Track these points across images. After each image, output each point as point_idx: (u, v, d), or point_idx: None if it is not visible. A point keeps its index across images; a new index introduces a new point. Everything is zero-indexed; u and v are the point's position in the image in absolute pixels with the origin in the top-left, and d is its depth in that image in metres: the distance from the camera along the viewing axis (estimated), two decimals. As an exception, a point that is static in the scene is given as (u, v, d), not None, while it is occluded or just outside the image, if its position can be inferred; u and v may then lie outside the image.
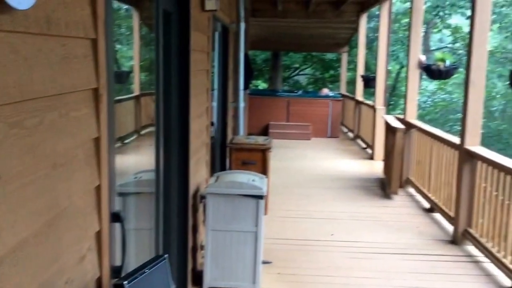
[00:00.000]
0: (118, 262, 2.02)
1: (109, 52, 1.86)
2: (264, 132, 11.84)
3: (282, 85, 19.16)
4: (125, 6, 3.16)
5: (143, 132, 3.31)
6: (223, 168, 5.92)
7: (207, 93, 4.37)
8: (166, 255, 2.15)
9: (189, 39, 3.50)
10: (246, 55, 7.91)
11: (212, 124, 4.86)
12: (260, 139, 5.95)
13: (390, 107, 19.69)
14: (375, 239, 5.22)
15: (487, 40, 4.91)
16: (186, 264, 3.70)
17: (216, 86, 5.90)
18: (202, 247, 4.09)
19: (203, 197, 3.90)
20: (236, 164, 5.54)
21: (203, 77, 4.22)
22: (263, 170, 5.60)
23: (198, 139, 3.98)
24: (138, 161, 3.22)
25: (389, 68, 20.38)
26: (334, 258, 4.69)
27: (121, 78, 3.05)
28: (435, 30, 19.79)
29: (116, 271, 1.97)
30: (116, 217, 1.98)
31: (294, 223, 5.68)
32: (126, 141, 2.91)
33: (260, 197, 3.74)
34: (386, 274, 4.35)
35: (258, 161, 5.60)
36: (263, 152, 5.65)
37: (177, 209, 3.55)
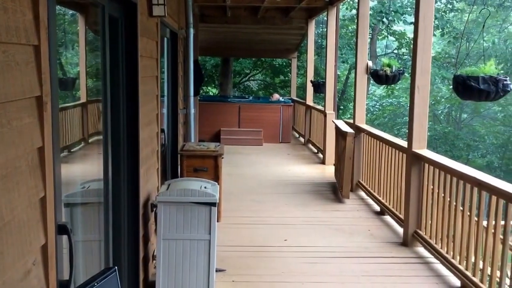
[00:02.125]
0: (66, 276, 1.94)
1: (52, 59, 1.79)
2: (216, 138, 11.78)
3: (233, 91, 19.16)
4: (70, 12, 3.05)
5: (90, 140, 3.20)
6: (174, 176, 5.83)
7: (156, 100, 4.29)
8: (115, 267, 2.08)
9: (137, 45, 3.42)
10: (196, 61, 7.86)
11: (162, 131, 4.78)
12: (212, 146, 5.90)
13: (340, 111, 20.04)
14: (328, 243, 5.26)
15: (430, 45, 5.05)
16: (137, 275, 3.60)
17: (165, 92, 5.81)
18: (154, 257, 4.00)
19: (154, 206, 3.82)
20: (188, 171, 5.46)
21: (152, 83, 4.15)
22: (215, 176, 5.55)
23: (148, 147, 3.90)
24: (86, 170, 3.11)
25: (338, 73, 20.80)
26: (288, 263, 4.68)
27: (67, 85, 2.95)
28: (380, 37, 20.32)
29: (63, 286, 1.90)
30: (62, 229, 1.90)
31: (247, 230, 5.65)
32: (73, 150, 2.81)
33: (213, 204, 3.69)
34: (339, 278, 4.39)
35: (210, 168, 5.54)
36: (215, 158, 5.60)
37: (127, 219, 3.46)
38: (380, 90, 22.73)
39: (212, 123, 12.11)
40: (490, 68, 3.80)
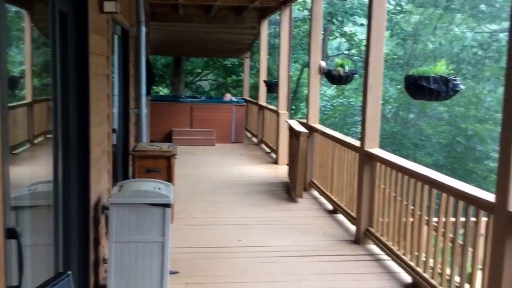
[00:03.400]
0: (15, 282, 1.86)
1: (2, 58, 1.69)
2: (167, 139, 11.61)
3: (185, 90, 18.97)
4: (14, 8, 2.91)
5: (36, 141, 3.06)
6: (125, 178, 5.69)
7: (108, 99, 4.17)
8: (69, 272, 2.00)
9: (87, 42, 3.31)
10: (147, 60, 7.70)
11: (113, 131, 4.65)
12: (165, 146, 5.80)
13: (292, 111, 20.21)
14: (282, 242, 5.27)
15: (383, 46, 5.14)
16: (88, 280, 3.48)
17: (116, 92, 5.67)
18: (105, 261, 3.88)
19: (105, 208, 3.70)
20: (140, 172, 5.34)
21: (103, 82, 4.02)
22: (168, 177, 5.45)
23: (99, 147, 3.78)
24: (32, 172, 2.97)
25: (290, 73, 20.98)
26: (242, 264, 4.66)
27: (11, 84, 2.80)
28: (331, 37, 20.61)
29: (12, 292, 1.80)
30: (11, 233, 1.81)
31: (201, 231, 5.58)
32: (17, 150, 2.67)
33: (167, 205, 3.62)
34: (293, 277, 4.39)
35: (163, 169, 5.44)
36: (168, 159, 5.50)
37: (77, 222, 3.34)
38: (331, 90, 23.05)
39: (163, 124, 11.94)
40: (441, 68, 3.89)
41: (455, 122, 19.41)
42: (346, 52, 21.04)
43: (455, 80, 3.77)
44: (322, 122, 22.59)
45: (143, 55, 6.38)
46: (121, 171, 5.79)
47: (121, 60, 5.75)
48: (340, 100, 22.47)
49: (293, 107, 21.02)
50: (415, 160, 19.90)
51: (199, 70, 22.33)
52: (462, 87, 3.82)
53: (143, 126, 6.34)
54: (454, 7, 18.71)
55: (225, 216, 6.18)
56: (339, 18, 16.82)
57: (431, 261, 3.95)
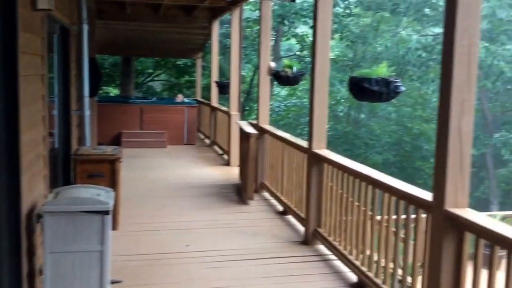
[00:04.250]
0: None
1: None
2: (117, 141, 11.33)
3: (136, 91, 18.62)
4: None
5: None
6: (67, 183, 5.45)
7: (42, 101, 3.97)
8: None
9: (16, 41, 3.12)
10: (93, 60, 7.47)
11: (51, 134, 4.44)
12: (109, 149, 5.60)
13: (246, 112, 20.18)
14: (231, 246, 5.18)
15: (328, 48, 5.14)
16: (22, 293, 3.29)
17: (56, 93, 5.43)
18: (40, 272, 3.69)
19: (40, 216, 3.51)
20: (82, 178, 5.13)
21: (37, 82, 3.82)
22: (112, 182, 5.27)
23: (32, 152, 3.58)
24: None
25: (244, 73, 20.95)
26: (189, 269, 4.54)
27: None
28: (284, 38, 20.71)
29: None
30: None
31: (148, 236, 5.42)
32: None
33: (105, 212, 3.46)
34: (242, 281, 4.32)
35: (107, 173, 5.25)
36: (112, 163, 5.31)
37: (7, 232, 3.15)
38: (284, 91, 23.17)
39: (112, 126, 11.63)
40: (382, 70, 3.90)
41: (402, 122, 19.88)
42: (298, 53, 21.18)
43: (396, 82, 3.80)
44: (276, 122, 22.73)
45: (86, 55, 6.15)
46: (61, 177, 5.55)
47: (60, 60, 5.52)
48: (293, 101, 22.62)
49: (247, 108, 21.01)
50: (366, 159, 20.28)
51: (151, 70, 21.98)
52: (402, 88, 3.85)
53: (86, 129, 6.12)
54: (400, 10, 19.16)
55: (173, 221, 6.04)
56: (290, 20, 16.89)
57: (377, 259, 3.96)
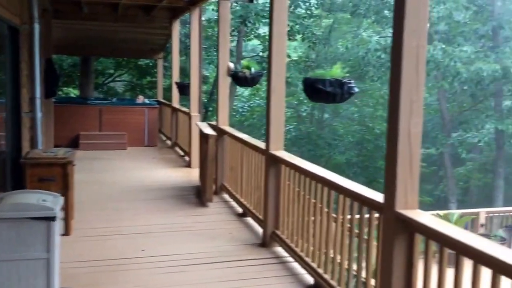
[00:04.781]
0: None
1: None
2: (75, 143, 11.08)
3: (96, 92, 18.27)
4: None
5: None
6: (18, 187, 5.26)
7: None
8: None
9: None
10: (49, 60, 7.26)
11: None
12: (61, 152, 5.43)
13: (209, 113, 20.05)
14: (188, 250, 5.09)
15: (285, 49, 5.12)
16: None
17: (6, 94, 5.23)
18: (-16, 282, 3.53)
19: (-18, 224, 3.35)
20: (32, 182, 4.95)
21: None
22: (64, 186, 5.13)
23: (-27, 157, 3.42)
24: None
25: (207, 74, 20.82)
26: (144, 275, 4.43)
27: None
28: (246, 39, 20.68)
29: None
30: None
31: (102, 242, 5.28)
32: None
33: (51, 218, 3.34)
34: (196, 285, 4.24)
35: (58, 177, 5.08)
36: (64, 166, 5.15)
37: None
38: (248, 91, 23.15)
39: (70, 127, 11.37)
40: (336, 71, 3.90)
41: (364, 122, 20.15)
42: (261, 54, 21.20)
43: (350, 83, 3.80)
44: (241, 123, 22.64)
45: (37, 55, 5.96)
46: (11, 181, 5.36)
47: (9, 60, 5.32)
48: (257, 101, 22.63)
49: (210, 109, 20.89)
50: (329, 159, 20.48)
51: (111, 71, 21.61)
52: (356, 89, 3.86)
53: (38, 131, 5.93)
54: (360, 12, 19.41)
55: (130, 225, 5.90)
56: (252, 20, 16.88)
57: (332, 260, 3.96)
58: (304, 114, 22.12)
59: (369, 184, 17.64)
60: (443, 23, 20.72)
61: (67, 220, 5.30)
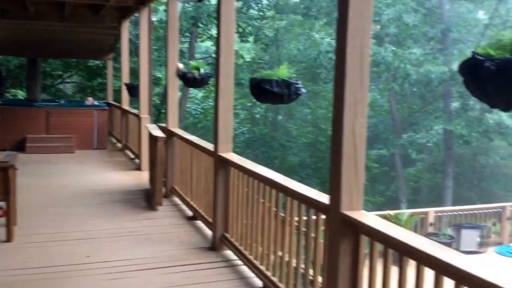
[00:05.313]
0: None
1: None
2: (21, 146, 10.70)
3: (44, 94, 17.71)
4: None
5: None
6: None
7: None
8: None
9: None
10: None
11: None
12: (1, 156, 5.20)
13: (162, 115, 19.78)
14: (135, 255, 4.95)
15: (233, 50, 5.06)
16: None
17: None
18: None
19: None
20: (-32, 187, 4.71)
21: None
22: (5, 191, 4.91)
23: None
24: None
25: (159, 75, 20.53)
26: (88, 283, 4.28)
27: None
28: (199, 40, 20.53)
29: None
30: None
31: (45, 248, 5.07)
32: None
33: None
34: (143, 292, 4.13)
35: (-2, 182, 4.86)
36: (4, 170, 4.92)
37: None
38: (201, 93, 22.99)
39: (16, 130, 10.96)
40: (283, 71, 3.88)
41: (317, 124, 20.35)
42: (214, 55, 21.11)
43: (297, 83, 3.78)
44: (194, 125, 22.41)
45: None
46: None
47: None
48: (210, 103, 22.50)
49: (163, 111, 20.61)
50: (284, 160, 20.57)
51: (60, 72, 21.01)
52: (303, 90, 3.84)
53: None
54: (312, 14, 19.62)
55: (75, 230, 5.70)
56: (204, 21, 16.76)
57: (280, 262, 3.92)
58: (258, 116, 22.14)
59: (322, 185, 17.84)
60: (393, 26, 21.19)
61: (8, 226, 5.09)
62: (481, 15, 23.80)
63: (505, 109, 1.90)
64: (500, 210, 12.75)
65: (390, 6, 20.06)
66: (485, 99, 1.93)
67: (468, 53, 2.09)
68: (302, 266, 3.65)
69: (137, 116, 9.71)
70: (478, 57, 1.92)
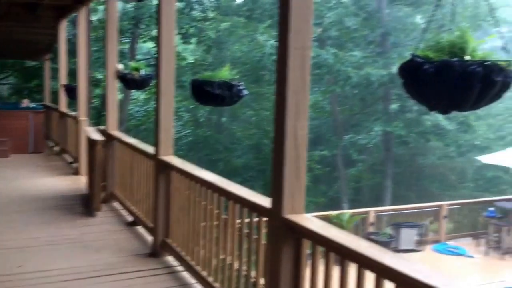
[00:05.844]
0: None
1: None
2: None
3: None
4: None
5: None
6: None
7: None
8: None
9: None
10: None
11: None
12: None
13: (102, 117, 19.24)
14: (71, 264, 4.74)
15: (173, 51, 4.96)
16: None
17: None
18: None
19: None
20: None
21: None
22: None
23: None
24: None
25: (100, 77, 19.96)
26: (19, 294, 4.05)
27: None
28: (141, 41, 20.15)
29: None
30: None
31: (-28, 259, 4.77)
32: None
33: None
34: (79, 303, 3.94)
35: None
36: None
37: None
38: (144, 95, 22.57)
39: None
40: (225, 73, 3.81)
41: (262, 125, 20.42)
42: (156, 56, 20.80)
43: (239, 85, 3.72)
44: (137, 127, 21.96)
45: None
46: None
47: None
48: (153, 105, 22.13)
49: (103, 113, 20.07)
50: (228, 163, 20.51)
51: (-6, 73, 20.09)
52: (245, 92, 3.79)
53: None
54: (255, 16, 19.68)
55: (8, 239, 5.41)
56: (145, 22, 16.46)
57: (222, 267, 3.85)
58: (201, 118, 21.97)
59: (266, 186, 17.94)
60: (335, 29, 21.58)
61: None
62: (419, 19, 24.63)
63: (442, 112, 1.91)
64: (437, 208, 13.19)
65: (331, 10, 20.41)
66: (423, 101, 1.94)
67: (407, 56, 2.10)
68: (245, 268, 3.59)
69: (76, 119, 9.37)
70: (417, 59, 1.92)
